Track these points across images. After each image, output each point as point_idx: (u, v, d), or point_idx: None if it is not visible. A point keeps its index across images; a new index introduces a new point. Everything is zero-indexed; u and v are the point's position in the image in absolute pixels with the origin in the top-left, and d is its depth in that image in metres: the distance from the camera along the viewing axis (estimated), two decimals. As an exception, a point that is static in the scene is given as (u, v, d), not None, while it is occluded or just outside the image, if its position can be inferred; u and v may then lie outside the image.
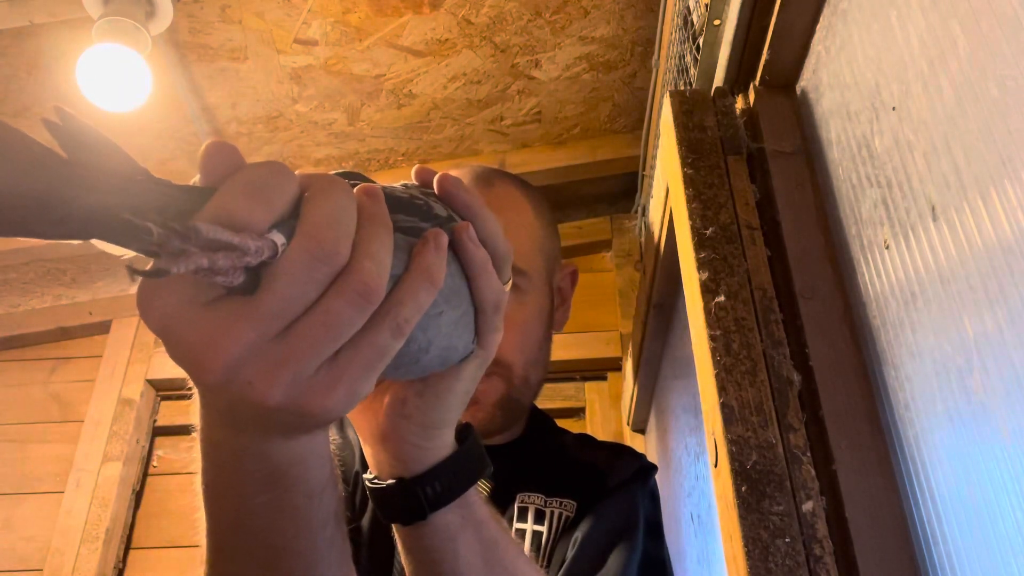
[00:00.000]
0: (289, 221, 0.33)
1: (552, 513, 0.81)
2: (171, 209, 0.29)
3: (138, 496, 1.78)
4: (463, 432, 0.50)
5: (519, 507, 0.82)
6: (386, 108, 1.63)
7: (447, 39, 1.49)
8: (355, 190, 0.37)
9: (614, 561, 0.76)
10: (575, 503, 0.82)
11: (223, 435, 0.37)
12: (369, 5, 1.41)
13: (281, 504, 0.38)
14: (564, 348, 1.77)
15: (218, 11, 1.39)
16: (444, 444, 0.47)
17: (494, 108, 1.67)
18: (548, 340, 0.88)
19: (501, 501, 0.82)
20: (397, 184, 0.44)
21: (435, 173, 0.45)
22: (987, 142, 0.51)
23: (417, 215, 0.41)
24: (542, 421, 0.96)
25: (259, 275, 0.32)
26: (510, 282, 0.47)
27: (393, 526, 0.48)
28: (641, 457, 0.89)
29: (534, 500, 0.82)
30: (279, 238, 0.32)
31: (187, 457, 1.82)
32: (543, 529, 0.80)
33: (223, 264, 0.30)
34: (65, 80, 1.43)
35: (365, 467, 0.86)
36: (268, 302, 0.32)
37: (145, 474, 1.80)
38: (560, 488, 0.83)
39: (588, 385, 1.77)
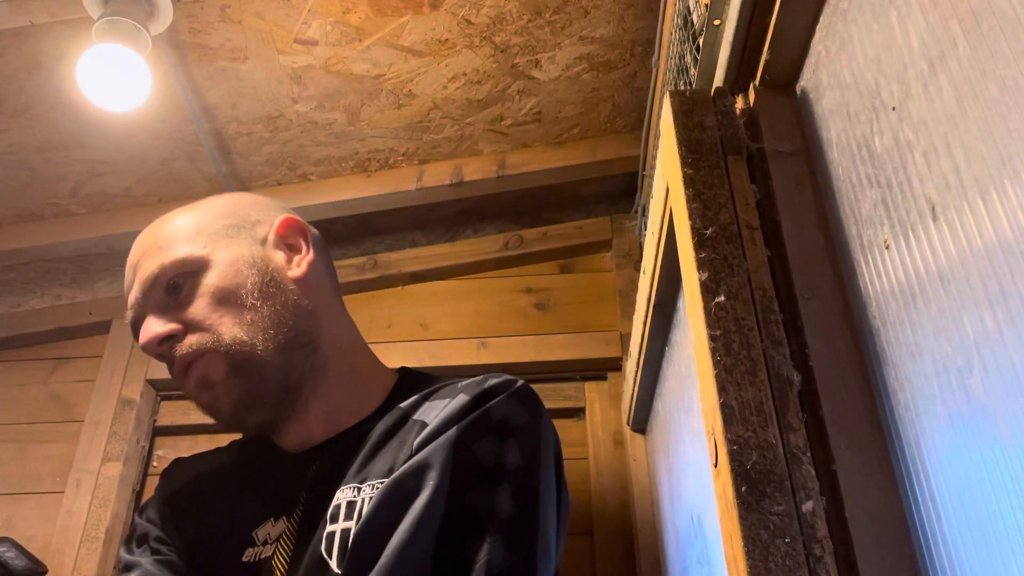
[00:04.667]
0: None
1: (364, 500, 0.73)
2: None
3: (138, 496, 1.77)
4: None
5: (334, 505, 0.75)
6: (386, 108, 1.63)
7: (447, 39, 1.49)
8: None
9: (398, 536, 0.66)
10: (384, 480, 0.74)
11: None
12: (369, 5, 1.41)
13: None
14: (564, 348, 1.77)
15: (218, 11, 1.39)
16: None
17: (494, 108, 1.67)
18: (263, 289, 0.84)
19: (318, 507, 0.76)
20: None
21: None
22: (987, 142, 0.51)
23: None
24: (399, 390, 0.89)
25: None
26: None
27: None
28: (488, 383, 0.79)
29: (347, 492, 0.75)
30: None
31: (187, 457, 1.82)
32: (351, 524, 0.72)
33: None
34: (65, 80, 1.43)
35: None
36: None
37: (145, 474, 1.80)
38: (379, 467, 0.76)
39: (588, 385, 1.77)
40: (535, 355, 1.77)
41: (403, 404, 0.84)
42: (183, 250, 0.84)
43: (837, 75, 0.76)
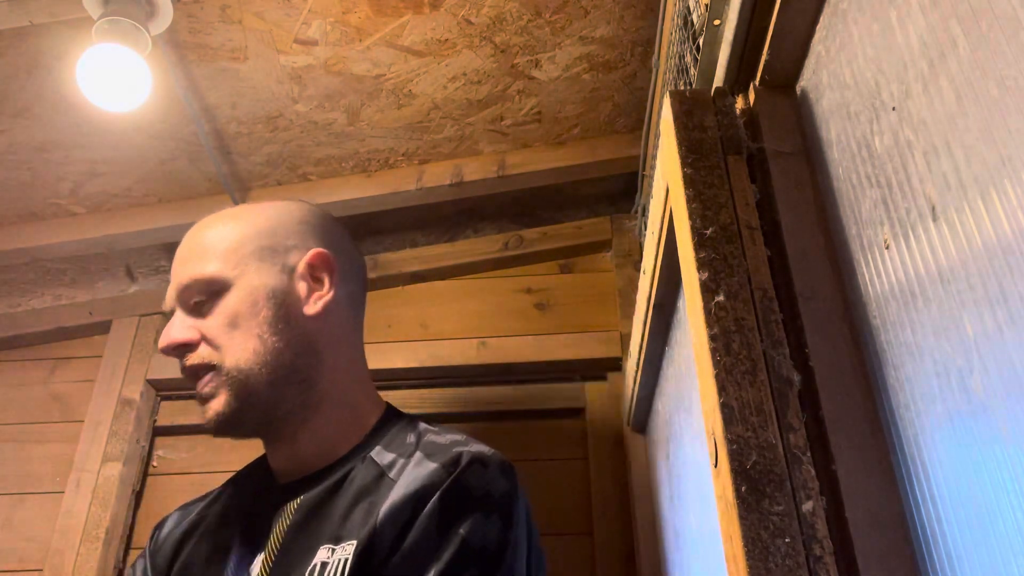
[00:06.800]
0: None
1: (337, 563, 0.77)
2: None
3: (138, 496, 1.78)
4: None
5: (312, 564, 0.78)
6: (386, 108, 1.63)
7: (447, 39, 1.49)
8: None
9: None
10: (354, 542, 0.77)
11: None
12: (369, 5, 1.41)
13: None
14: (564, 348, 1.77)
15: (218, 11, 1.39)
16: None
17: (494, 108, 1.67)
18: (274, 323, 0.87)
19: (294, 549, 0.79)
20: None
21: None
22: (987, 142, 0.51)
23: None
24: (377, 433, 0.91)
25: None
26: None
27: None
28: (464, 479, 0.80)
29: (323, 552, 0.78)
30: None
31: (187, 457, 1.82)
32: None
33: None
34: (65, 80, 1.43)
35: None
36: None
37: (145, 474, 1.80)
38: (354, 526, 0.79)
39: (588, 385, 1.77)
40: (535, 355, 1.77)
41: (380, 460, 0.87)
42: (213, 268, 0.89)
43: (837, 75, 0.76)
